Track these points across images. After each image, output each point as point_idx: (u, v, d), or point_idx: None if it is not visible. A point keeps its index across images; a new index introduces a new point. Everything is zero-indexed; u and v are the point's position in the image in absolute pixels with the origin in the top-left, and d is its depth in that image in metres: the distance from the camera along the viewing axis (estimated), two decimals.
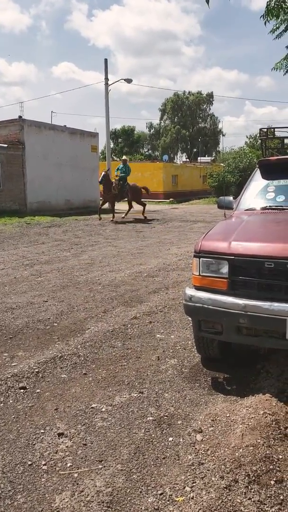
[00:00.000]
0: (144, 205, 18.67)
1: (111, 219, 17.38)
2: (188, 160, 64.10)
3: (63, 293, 6.40)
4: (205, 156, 61.72)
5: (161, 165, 37.14)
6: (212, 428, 2.92)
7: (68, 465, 2.59)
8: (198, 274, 3.55)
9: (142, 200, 18.80)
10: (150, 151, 77.07)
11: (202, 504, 2.22)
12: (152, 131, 75.23)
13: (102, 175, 17.21)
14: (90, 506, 2.25)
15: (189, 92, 71.41)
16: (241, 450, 2.59)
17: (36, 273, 7.84)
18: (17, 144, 20.33)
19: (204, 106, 72.53)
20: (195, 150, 69.22)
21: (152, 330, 4.88)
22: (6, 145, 19.73)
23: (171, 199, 33.74)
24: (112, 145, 63.79)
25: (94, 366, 3.98)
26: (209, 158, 60.16)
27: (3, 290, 6.67)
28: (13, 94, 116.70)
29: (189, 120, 70.98)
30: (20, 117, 21.19)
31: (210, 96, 71.63)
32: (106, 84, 25.12)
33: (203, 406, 3.26)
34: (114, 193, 17.58)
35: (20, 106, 50.34)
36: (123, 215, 18.39)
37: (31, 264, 8.69)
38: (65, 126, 23.83)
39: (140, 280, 7.16)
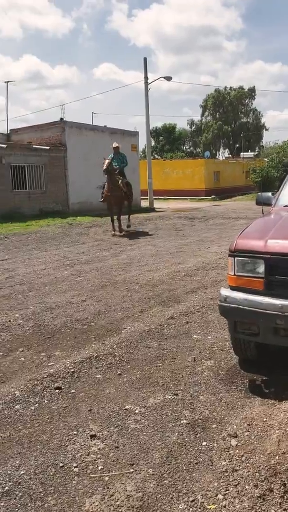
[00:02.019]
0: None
1: (113, 231, 13.21)
2: (230, 156, 63.18)
3: (101, 293, 6.43)
4: (248, 152, 60.59)
5: (202, 162, 36.75)
6: (248, 433, 2.83)
7: (99, 468, 2.57)
8: (233, 274, 3.45)
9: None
10: (191, 148, 76.52)
11: None
12: (193, 127, 74.62)
13: (107, 163, 12.69)
14: (119, 510, 2.22)
15: (230, 87, 70.28)
16: (277, 457, 2.49)
17: (76, 273, 7.93)
18: (59, 146, 20.70)
19: (246, 101, 71.12)
20: (237, 145, 68.11)
21: (188, 330, 4.80)
22: (48, 148, 20.13)
23: (213, 196, 33.36)
24: (153, 143, 63.87)
25: (129, 366, 3.96)
26: (252, 153, 59.08)
27: (44, 290, 6.78)
28: (57, 96, 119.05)
29: (231, 116, 69.83)
30: (61, 119, 21.61)
31: (252, 90, 70.12)
32: (146, 83, 25.09)
33: (239, 410, 3.16)
34: (121, 194, 13.35)
35: (62, 108, 51.16)
36: (127, 223, 14.45)
37: (72, 264, 8.80)
38: (105, 126, 24.05)
39: (178, 280, 7.09)
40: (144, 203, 25.37)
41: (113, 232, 13.24)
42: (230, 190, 37.18)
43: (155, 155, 58.37)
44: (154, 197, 26.14)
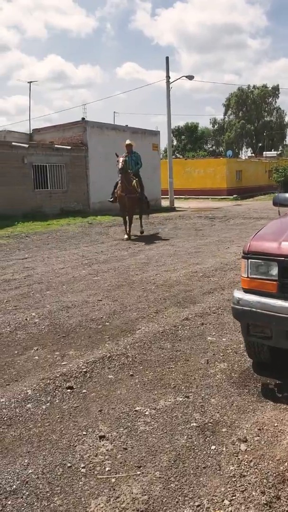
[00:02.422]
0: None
1: (126, 235, 12.30)
2: (253, 155, 62.49)
3: (117, 293, 6.44)
4: (271, 151, 59.85)
5: (224, 161, 36.48)
6: (258, 437, 2.79)
7: (107, 469, 2.57)
8: (246, 276, 3.41)
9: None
10: (214, 147, 76.05)
11: None
12: (216, 126, 74.17)
13: (122, 161, 11.68)
14: None
15: (253, 86, 69.61)
16: (286, 463, 2.45)
17: (93, 272, 7.96)
18: (80, 145, 20.85)
19: (270, 99, 70.35)
20: (260, 144, 67.34)
21: (203, 332, 4.77)
22: (70, 147, 20.29)
23: (234, 195, 33.08)
24: (175, 142, 63.73)
25: (141, 367, 3.95)
26: (275, 152, 58.30)
27: (61, 289, 6.83)
28: (80, 96, 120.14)
29: (254, 114, 69.15)
30: (83, 119, 21.76)
31: (276, 89, 69.33)
32: (168, 82, 25.04)
33: (250, 414, 3.12)
34: (136, 195, 12.27)
35: (83, 108, 51.36)
36: (140, 229, 13.18)
37: (90, 263, 8.85)
38: (127, 125, 24.10)
39: (195, 280, 7.05)
40: (165, 203, 25.36)
41: (126, 236, 12.16)
42: (252, 190, 36.82)
43: (177, 154, 58.14)
44: (175, 196, 26.10)
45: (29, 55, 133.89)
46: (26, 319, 5.37)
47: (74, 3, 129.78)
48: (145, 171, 23.80)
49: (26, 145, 18.87)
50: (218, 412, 3.15)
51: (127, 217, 12.39)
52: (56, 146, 20.06)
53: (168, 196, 25.18)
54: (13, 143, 18.54)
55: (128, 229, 12.34)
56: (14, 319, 5.41)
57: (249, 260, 3.37)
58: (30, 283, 7.27)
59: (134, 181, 12.14)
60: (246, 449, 2.68)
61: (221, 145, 72.21)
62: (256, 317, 3.26)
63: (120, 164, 11.64)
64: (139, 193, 12.39)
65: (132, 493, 2.36)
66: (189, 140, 68.32)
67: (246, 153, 71.73)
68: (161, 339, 4.59)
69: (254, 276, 3.36)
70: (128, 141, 12.79)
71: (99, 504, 2.29)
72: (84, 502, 2.32)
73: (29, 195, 18.61)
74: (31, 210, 18.05)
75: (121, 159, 11.73)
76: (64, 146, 20.24)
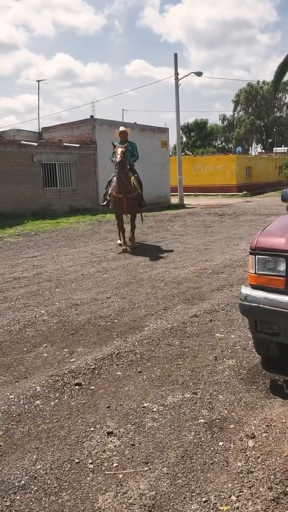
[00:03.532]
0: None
1: (123, 245, 9.96)
2: (263, 151, 62.11)
3: (126, 290, 6.45)
4: (281, 147, 59.38)
5: (234, 157, 36.28)
6: (266, 434, 2.78)
7: (114, 465, 2.58)
8: (253, 272, 3.40)
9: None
10: (223, 144, 75.69)
11: None
12: (225, 123, 73.79)
13: (120, 152, 8.97)
14: (131, 509, 2.22)
15: (263, 81, 69.03)
16: None
17: (102, 270, 7.98)
18: (89, 143, 20.87)
19: (280, 95, 69.67)
20: (270, 140, 66.90)
21: (212, 328, 4.76)
22: (78, 145, 20.32)
23: (244, 192, 32.89)
24: (184, 139, 63.51)
25: (149, 364, 3.95)
26: (285, 148, 57.77)
27: (70, 287, 6.86)
28: (89, 94, 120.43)
29: (263, 110, 68.62)
30: (91, 116, 21.75)
31: (286, 84, 68.36)
32: (176, 79, 24.94)
33: (258, 410, 3.11)
34: (137, 194, 9.81)
35: (92, 105, 51.56)
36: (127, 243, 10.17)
37: (99, 261, 8.87)
38: (135, 123, 24.05)
39: (204, 277, 7.03)
40: (174, 200, 25.31)
41: (123, 247, 9.75)
42: (262, 186, 36.60)
43: (186, 151, 57.97)
44: (184, 193, 26.01)
45: (38, 54, 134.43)
46: (35, 317, 5.41)
47: (83, 1, 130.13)
48: (154, 168, 23.94)
49: (35, 144, 18.94)
50: (226, 409, 3.15)
51: (122, 222, 10.14)
52: (65, 144, 20.11)
53: (178, 193, 25.13)
54: (22, 142, 18.63)
55: (125, 237, 10.12)
56: (23, 316, 5.44)
57: (256, 256, 3.36)
58: (39, 281, 7.31)
59: (133, 177, 9.68)
60: (254, 446, 2.67)
61: (231, 142, 71.85)
62: (264, 314, 3.25)
63: (119, 156, 8.86)
64: (139, 193, 9.93)
65: (139, 488, 2.37)
66: (199, 137, 68.01)
67: (256, 149, 71.39)
68: (170, 336, 4.60)
69: (262, 272, 3.34)
70: (122, 128, 10.25)
71: (106, 500, 2.30)
72: (91, 497, 2.33)
73: (39, 193, 18.69)
74: (40, 209, 18.14)
75: (119, 150, 8.97)
76: (73, 144, 20.28)
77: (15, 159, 17.78)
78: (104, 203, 10.49)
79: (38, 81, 40.25)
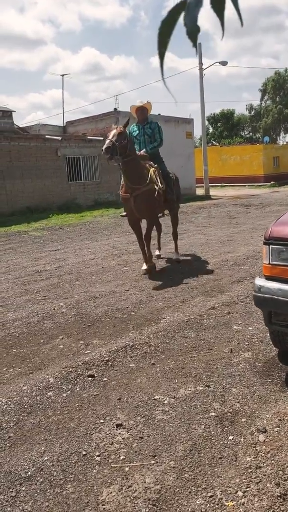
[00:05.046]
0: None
1: (147, 264, 6.95)
2: None
3: (144, 283, 6.41)
4: None
5: (261, 147, 35.59)
6: (278, 428, 2.71)
7: (121, 458, 2.56)
8: (268, 262, 3.30)
9: None
10: (251, 134, 74.36)
11: None
12: (252, 112, 72.42)
13: (112, 135, 6.10)
14: (135, 502, 2.20)
15: None
16: None
17: (122, 262, 7.97)
18: None
19: None
20: None
21: (229, 321, 4.68)
22: (102, 138, 20.30)
23: (272, 182, 32.26)
24: (211, 130, 62.77)
25: (163, 356, 3.91)
26: None
27: (90, 279, 6.87)
28: (115, 87, 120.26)
29: None
30: (115, 109, 21.72)
31: None
32: (201, 69, 24.62)
33: (272, 404, 3.03)
34: (154, 191, 6.60)
35: (116, 98, 51.36)
36: (157, 252, 8.31)
37: (120, 254, 8.86)
38: (159, 114, 23.85)
39: (225, 269, 6.92)
40: (200, 191, 25.07)
41: (145, 267, 6.98)
42: None
43: (213, 141, 57.30)
44: (210, 184, 25.76)
45: (64, 49, 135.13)
46: (54, 309, 5.44)
47: None
48: (178, 160, 23.72)
49: (59, 138, 19.05)
50: (238, 402, 3.08)
51: (140, 231, 7.22)
52: (88, 137, 20.16)
53: (203, 185, 24.87)
54: (47, 136, 18.78)
55: (148, 253, 7.00)
56: (42, 309, 5.48)
57: (271, 246, 3.26)
58: (60, 274, 7.36)
59: (152, 169, 6.75)
60: (264, 440, 2.60)
61: (258, 132, 70.48)
62: (278, 305, 3.15)
63: (107, 141, 6.07)
64: (163, 187, 6.85)
65: (145, 482, 2.34)
66: (226, 127, 67.05)
67: (284, 138, 69.79)
68: (186, 328, 4.54)
69: (276, 263, 3.24)
70: (139, 102, 7.19)
71: (111, 493, 2.28)
72: (96, 490, 2.31)
73: (63, 187, 18.82)
74: (65, 202, 18.27)
75: (112, 132, 6.19)
76: (97, 137, 20.30)
77: (40, 154, 17.94)
78: (124, 213, 7.47)
79: (63, 75, 40.56)
